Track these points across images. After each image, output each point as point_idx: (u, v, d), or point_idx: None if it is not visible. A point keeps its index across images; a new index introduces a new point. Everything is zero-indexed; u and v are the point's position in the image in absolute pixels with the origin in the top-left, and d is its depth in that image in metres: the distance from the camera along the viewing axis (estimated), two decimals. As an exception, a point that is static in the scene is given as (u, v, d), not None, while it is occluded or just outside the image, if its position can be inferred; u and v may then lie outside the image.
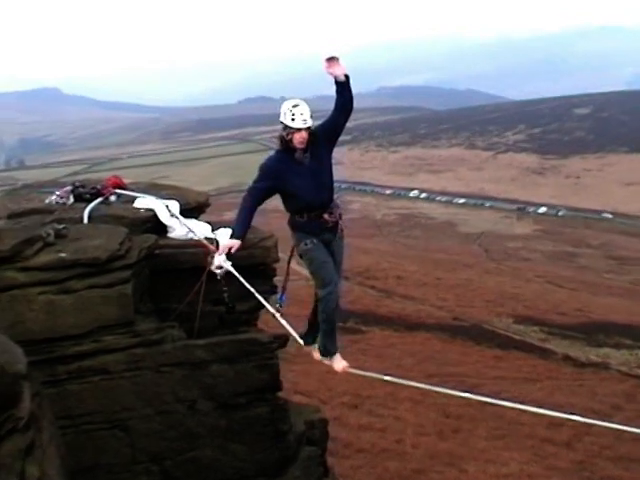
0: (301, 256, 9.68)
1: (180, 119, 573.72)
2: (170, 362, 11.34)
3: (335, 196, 9.74)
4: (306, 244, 9.47)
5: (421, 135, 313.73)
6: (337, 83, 9.00)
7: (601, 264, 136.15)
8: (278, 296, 10.67)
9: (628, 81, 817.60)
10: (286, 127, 8.97)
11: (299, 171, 9.16)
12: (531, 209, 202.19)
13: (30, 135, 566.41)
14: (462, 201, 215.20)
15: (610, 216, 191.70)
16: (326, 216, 9.45)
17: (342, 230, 9.84)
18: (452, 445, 33.02)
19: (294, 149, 9.08)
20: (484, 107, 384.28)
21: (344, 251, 10.07)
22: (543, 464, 31.64)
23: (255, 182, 9.48)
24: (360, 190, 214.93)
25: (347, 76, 8.93)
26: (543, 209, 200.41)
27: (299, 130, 8.91)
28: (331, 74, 8.88)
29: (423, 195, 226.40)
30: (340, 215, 9.74)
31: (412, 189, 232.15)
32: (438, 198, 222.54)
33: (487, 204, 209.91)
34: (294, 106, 8.93)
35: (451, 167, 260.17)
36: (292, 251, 9.92)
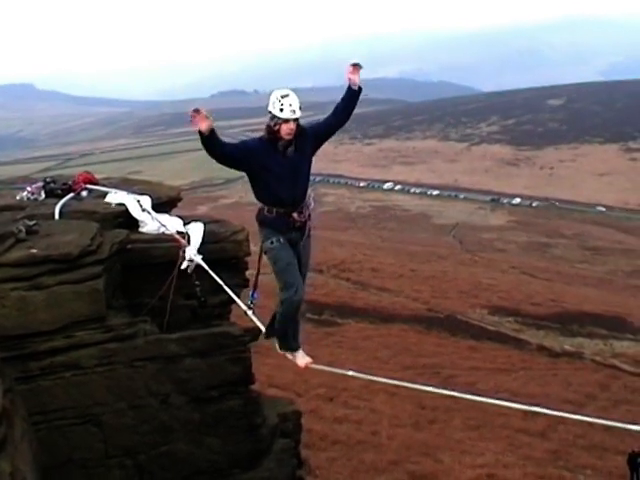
0: (266, 253, 9.53)
1: (153, 113, 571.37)
2: (143, 356, 11.34)
3: (309, 190, 9.62)
4: (272, 242, 9.33)
5: (395, 127, 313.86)
6: (349, 90, 9.06)
7: (575, 254, 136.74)
8: (250, 293, 10.56)
9: (602, 72, 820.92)
10: (274, 117, 8.79)
11: (280, 162, 8.99)
12: (505, 200, 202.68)
13: (2, 131, 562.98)
14: (436, 193, 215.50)
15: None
16: (295, 215, 9.28)
17: (310, 230, 9.69)
18: (428, 436, 33.16)
19: (280, 140, 8.90)
20: (458, 99, 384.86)
21: (311, 251, 9.95)
22: (518, 454, 31.84)
23: (227, 144, 9.18)
24: (334, 182, 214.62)
25: (360, 88, 8.98)
26: (517, 200, 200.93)
27: (287, 121, 8.73)
28: (350, 79, 8.95)
29: (397, 187, 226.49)
30: (309, 216, 9.58)
31: (386, 181, 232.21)
32: (412, 190, 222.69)
33: (461, 196, 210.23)
34: (283, 96, 8.75)
35: (425, 159, 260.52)
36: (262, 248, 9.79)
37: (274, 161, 8.99)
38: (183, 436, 11.72)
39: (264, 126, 9.09)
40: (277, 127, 8.79)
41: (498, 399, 10.58)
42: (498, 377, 46.70)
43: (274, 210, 9.25)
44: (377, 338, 57.44)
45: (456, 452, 30.94)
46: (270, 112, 8.81)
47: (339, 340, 54.09)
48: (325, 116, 9.45)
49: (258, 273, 10.07)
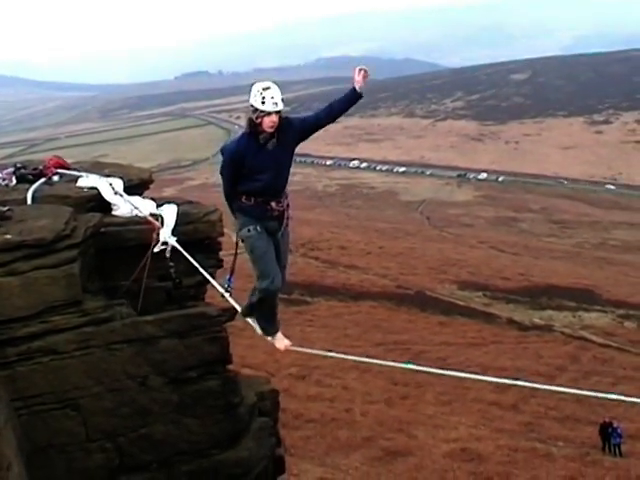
0: (242, 241, 9.53)
1: (117, 97, 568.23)
2: (120, 339, 11.31)
3: None
4: (249, 230, 9.33)
5: (360, 105, 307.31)
6: (353, 93, 9.08)
7: (543, 228, 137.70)
8: (227, 277, 10.55)
9: (566, 46, 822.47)
10: (256, 110, 8.68)
11: (262, 156, 8.97)
12: (472, 175, 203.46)
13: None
14: (402, 170, 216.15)
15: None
16: (273, 204, 9.29)
17: (288, 219, 9.69)
18: (401, 412, 33.43)
19: (262, 132, 8.84)
20: (422, 75, 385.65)
21: (289, 242, 10.00)
22: (491, 427, 32.18)
23: (222, 169, 9.28)
24: (301, 162, 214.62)
25: (362, 95, 8.98)
26: (483, 175, 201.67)
27: (269, 114, 8.65)
28: (357, 82, 8.94)
29: (364, 165, 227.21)
30: (287, 205, 9.58)
31: (352, 159, 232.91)
32: (379, 167, 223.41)
33: (427, 172, 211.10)
34: (265, 89, 8.63)
35: (390, 136, 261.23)
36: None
37: (257, 157, 8.97)
38: (162, 418, 11.72)
39: (246, 119, 9.05)
40: (259, 120, 8.72)
41: (473, 373, 10.69)
42: (469, 351, 47.07)
43: (252, 199, 9.24)
44: (347, 316, 57.72)
45: (429, 427, 31.25)
46: (252, 105, 8.71)
47: (309, 319, 54.29)
48: (314, 111, 9.48)
49: (235, 258, 10.06)
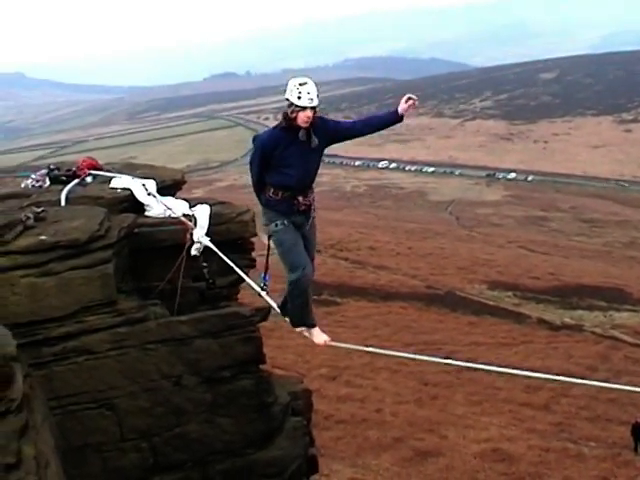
0: (270, 236, 9.60)
1: (145, 99, 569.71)
2: (154, 339, 11.39)
3: None
4: (276, 225, 9.41)
5: (387, 105, 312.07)
6: (395, 115, 9.15)
7: (572, 227, 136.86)
8: (261, 275, 10.57)
9: (593, 44, 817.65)
10: (291, 104, 8.76)
11: (293, 150, 9.03)
12: (500, 175, 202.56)
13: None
14: (431, 170, 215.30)
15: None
16: (300, 198, 9.35)
17: (314, 211, 9.75)
18: (431, 412, 33.35)
19: (297, 127, 8.92)
20: (450, 75, 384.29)
21: (316, 235, 10.05)
22: (522, 427, 32.02)
23: (252, 158, 9.41)
24: (329, 162, 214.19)
25: (402, 119, 9.06)
26: (512, 175, 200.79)
27: (304, 109, 8.72)
28: (402, 109, 9.05)
29: (392, 165, 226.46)
30: (313, 199, 9.65)
31: (381, 159, 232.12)
32: (407, 167, 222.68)
33: (456, 172, 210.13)
34: (301, 84, 8.72)
35: (419, 136, 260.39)
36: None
37: (288, 148, 9.03)
38: (196, 417, 11.79)
39: (281, 113, 9.13)
40: (294, 114, 8.78)
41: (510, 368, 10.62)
42: (499, 351, 46.90)
43: (280, 193, 9.30)
44: (377, 316, 57.61)
45: (460, 427, 31.16)
46: (287, 99, 8.78)
47: (339, 319, 54.25)
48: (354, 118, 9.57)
49: (268, 256, 10.05)
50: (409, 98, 9.02)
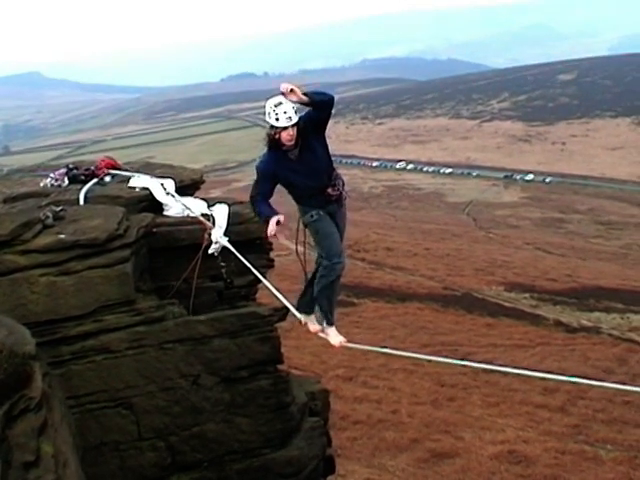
0: (306, 226, 9.69)
1: (162, 99, 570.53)
2: (172, 339, 11.43)
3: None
4: (312, 215, 9.49)
5: (406, 106, 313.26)
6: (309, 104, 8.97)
7: (589, 229, 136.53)
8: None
9: (612, 46, 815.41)
10: (272, 126, 8.91)
11: (293, 168, 9.16)
12: (518, 176, 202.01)
13: (12, 120, 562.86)
14: (449, 171, 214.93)
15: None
16: (329, 190, 9.47)
17: (345, 199, 9.90)
18: (447, 413, 33.30)
19: (283, 146, 9.00)
20: (468, 76, 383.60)
21: (346, 220, 10.16)
22: (538, 429, 31.93)
23: (256, 186, 9.52)
24: (346, 163, 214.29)
25: (306, 94, 8.81)
26: (530, 176, 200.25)
27: (285, 128, 8.84)
28: (297, 102, 8.86)
29: (410, 166, 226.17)
30: (343, 184, 9.77)
31: (398, 160, 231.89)
32: (425, 169, 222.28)
33: (474, 173, 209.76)
34: (277, 105, 8.82)
35: (437, 137, 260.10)
36: (297, 233, 9.79)
37: (289, 170, 9.21)
38: (214, 416, 11.82)
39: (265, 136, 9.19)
40: (277, 135, 8.91)
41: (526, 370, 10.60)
42: (516, 353, 46.77)
43: (307, 194, 9.45)
44: (394, 317, 57.55)
45: (476, 429, 31.10)
46: (267, 122, 8.94)
47: (356, 320, 54.22)
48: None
49: (305, 271, 10.19)
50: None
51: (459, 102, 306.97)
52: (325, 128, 9.36)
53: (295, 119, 8.82)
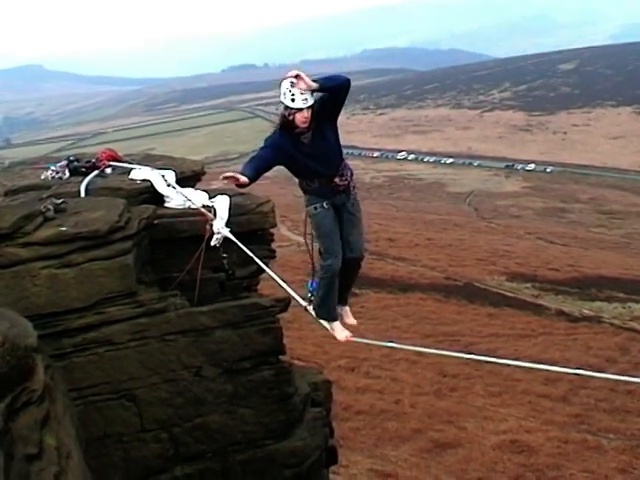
0: (310, 217, 9.52)
1: (164, 90, 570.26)
2: (174, 330, 11.42)
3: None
4: (316, 208, 9.34)
5: (407, 96, 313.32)
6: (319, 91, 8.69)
7: (591, 219, 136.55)
8: (309, 282, 10.35)
9: (612, 35, 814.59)
10: (287, 107, 8.62)
11: (303, 151, 8.91)
12: (519, 166, 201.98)
13: (13, 113, 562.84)
14: (450, 161, 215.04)
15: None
16: (337, 180, 9.25)
17: (354, 188, 9.67)
18: (450, 403, 33.33)
19: (296, 128, 8.75)
20: (469, 66, 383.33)
21: (360, 208, 9.87)
22: (541, 419, 31.95)
23: (262, 148, 9.05)
24: (348, 153, 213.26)
25: (316, 81, 8.60)
26: (532, 166, 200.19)
27: (300, 110, 8.58)
28: (306, 90, 8.56)
29: (411, 156, 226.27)
30: (351, 175, 9.54)
31: (400, 151, 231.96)
32: (426, 159, 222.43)
33: (475, 163, 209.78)
34: (292, 85, 8.50)
35: (438, 127, 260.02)
36: (305, 225, 9.67)
37: (300, 153, 8.95)
38: (216, 408, 11.82)
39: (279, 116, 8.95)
40: (292, 117, 8.66)
41: (521, 361, 10.61)
42: (518, 343, 46.80)
43: (315, 180, 9.24)
44: (396, 307, 57.60)
45: (478, 419, 31.13)
46: (282, 102, 8.67)
47: (358, 310, 54.07)
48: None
49: (313, 259, 10.05)
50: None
51: (460, 92, 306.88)
52: (338, 114, 9.13)
53: (311, 101, 8.57)
